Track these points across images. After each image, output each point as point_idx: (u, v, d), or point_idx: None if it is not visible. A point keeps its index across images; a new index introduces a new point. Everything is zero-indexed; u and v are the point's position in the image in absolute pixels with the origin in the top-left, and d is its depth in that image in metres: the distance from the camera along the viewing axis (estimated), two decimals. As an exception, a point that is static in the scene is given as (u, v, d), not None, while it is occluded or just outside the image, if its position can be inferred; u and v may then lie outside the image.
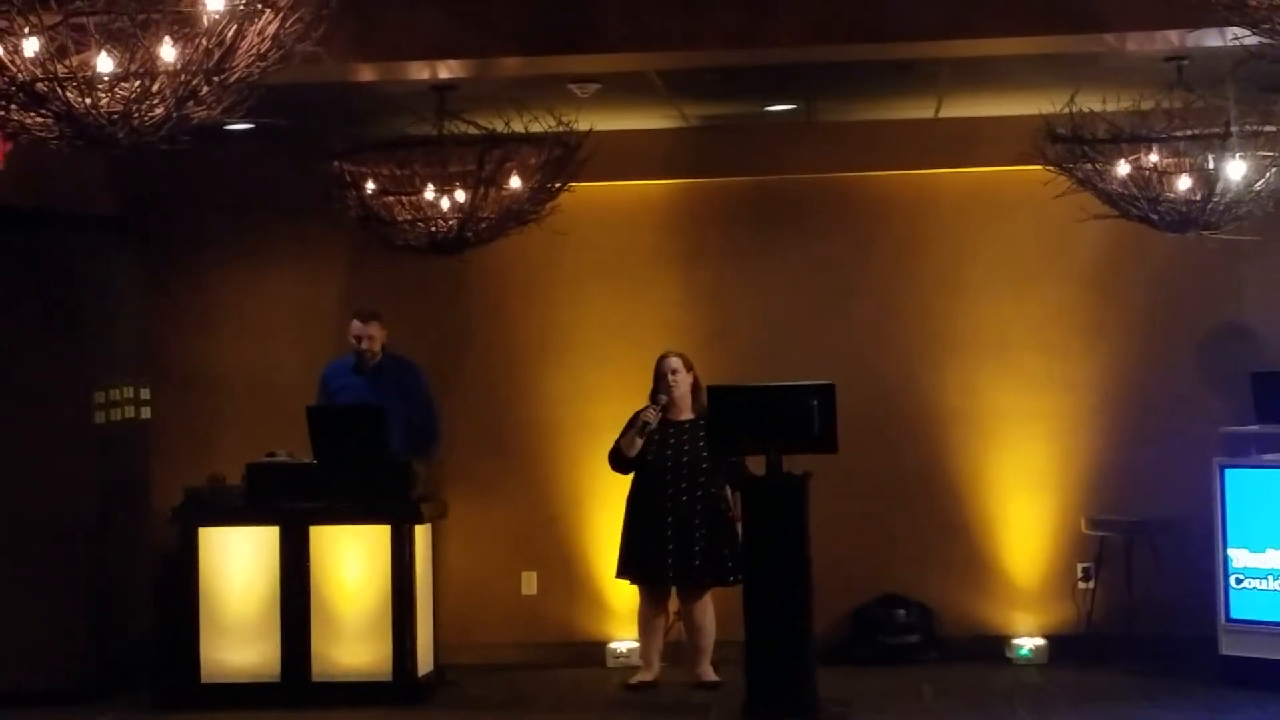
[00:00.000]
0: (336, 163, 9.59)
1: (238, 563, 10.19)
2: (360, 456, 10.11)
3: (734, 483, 10.09)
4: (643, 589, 10.40)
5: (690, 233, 11.38)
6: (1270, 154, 9.01)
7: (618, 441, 10.33)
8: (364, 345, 10.66)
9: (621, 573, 10.41)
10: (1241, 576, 9.99)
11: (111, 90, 5.30)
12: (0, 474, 10.43)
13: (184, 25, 5.26)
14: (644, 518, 10.26)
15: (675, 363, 10.34)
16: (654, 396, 10.30)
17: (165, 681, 10.37)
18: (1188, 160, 9.04)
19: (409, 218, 9.54)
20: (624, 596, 10.99)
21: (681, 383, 10.31)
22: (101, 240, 10.79)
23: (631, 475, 10.36)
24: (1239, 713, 9.31)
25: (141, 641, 10.88)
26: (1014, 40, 8.57)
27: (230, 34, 5.29)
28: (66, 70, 5.21)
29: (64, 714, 9.98)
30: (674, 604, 10.48)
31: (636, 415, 10.30)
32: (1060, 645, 10.89)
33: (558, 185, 9.61)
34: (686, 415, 10.31)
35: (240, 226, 11.43)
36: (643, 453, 10.25)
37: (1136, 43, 8.66)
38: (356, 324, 10.68)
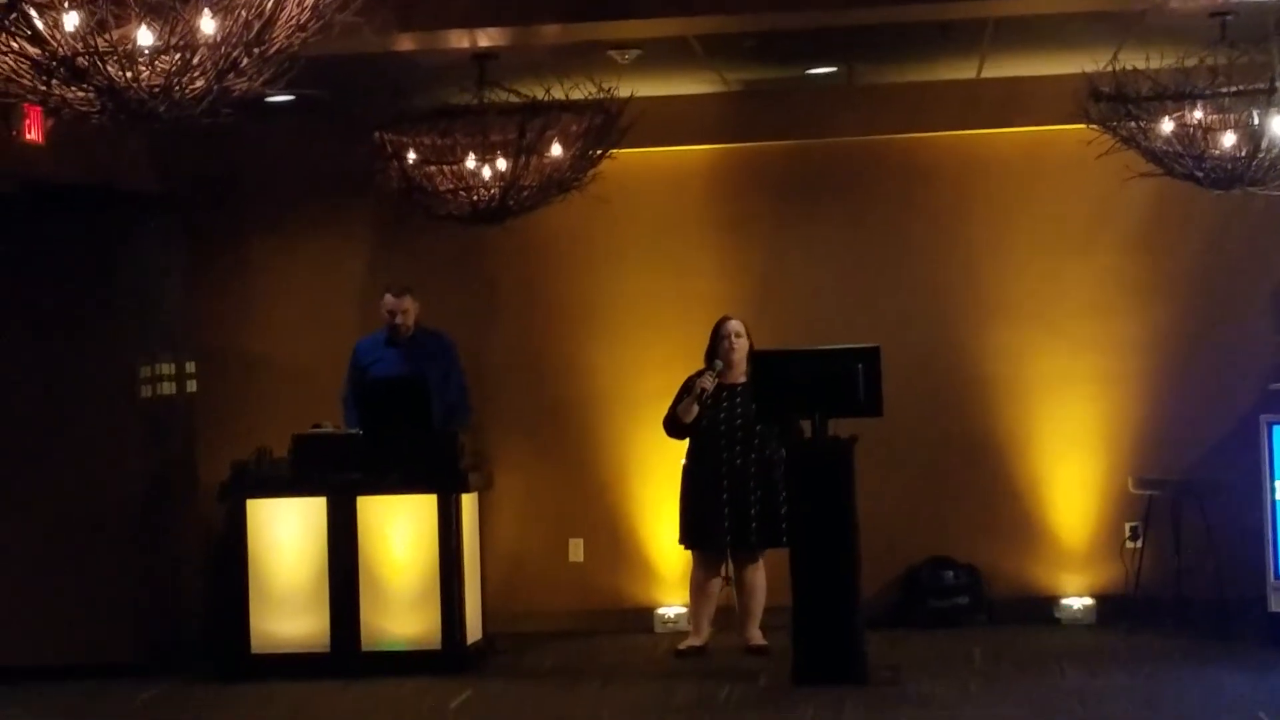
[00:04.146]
0: (377, 133, 9.59)
1: (286, 534, 10.23)
2: (406, 427, 10.14)
3: (787, 444, 10.07)
4: (698, 554, 10.40)
5: (732, 198, 11.35)
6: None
7: (674, 408, 10.31)
8: (398, 319, 10.68)
9: (684, 539, 10.40)
10: (1291, 534, 9.96)
11: (152, 64, 5.30)
12: (47, 451, 10.50)
13: (223, -3, 5.26)
14: (700, 484, 10.25)
15: (738, 326, 10.30)
16: (710, 360, 10.28)
17: (217, 653, 10.43)
18: (1232, 116, 8.97)
19: (451, 187, 9.54)
20: (671, 562, 11.01)
21: (740, 347, 10.28)
22: (144, 216, 10.82)
23: (686, 442, 10.35)
24: (1290, 671, 9.31)
25: (193, 614, 10.94)
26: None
27: (269, 5, 5.29)
28: (107, 44, 5.21)
29: (117, 687, 10.03)
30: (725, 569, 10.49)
31: (691, 380, 10.28)
32: (1108, 605, 10.87)
33: (599, 152, 9.61)
34: (740, 379, 10.29)
35: (282, 200, 11.45)
36: (698, 418, 10.24)
37: (1180, -2, 8.61)
38: (389, 298, 10.70)
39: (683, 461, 10.39)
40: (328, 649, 10.14)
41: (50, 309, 10.55)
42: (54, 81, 5.30)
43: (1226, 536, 10.47)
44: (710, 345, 10.32)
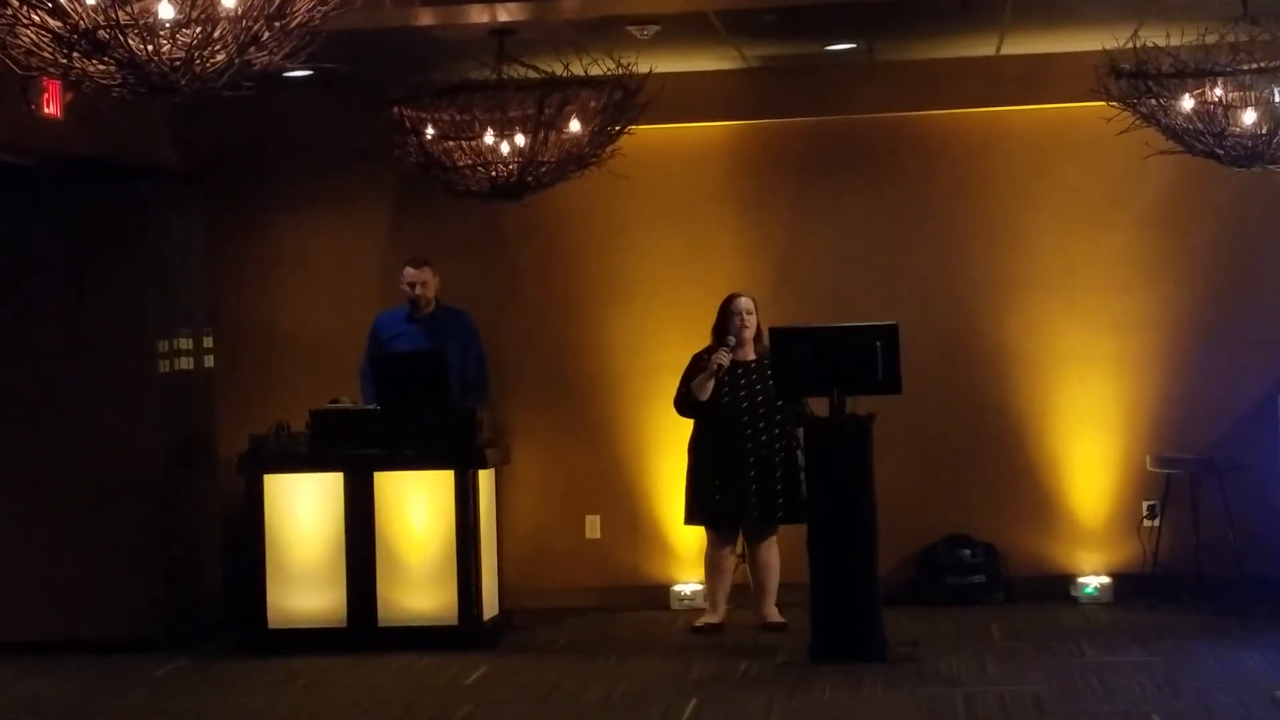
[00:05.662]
0: (396, 108, 9.58)
1: (303, 509, 10.24)
2: (424, 402, 10.13)
3: (799, 424, 10.06)
4: (711, 531, 10.39)
5: (751, 175, 11.33)
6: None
7: (687, 385, 10.30)
8: (417, 291, 10.69)
9: (691, 519, 10.40)
10: (1310, 513, 9.96)
11: (173, 37, 5.31)
12: (67, 423, 10.50)
13: (245, -30, 5.26)
14: (722, 461, 10.22)
15: (748, 303, 10.29)
16: (723, 338, 10.26)
17: (234, 629, 10.45)
18: (1253, 94, 8.95)
19: (469, 163, 9.54)
20: (687, 540, 11.00)
21: (752, 324, 10.27)
22: (164, 190, 10.81)
23: (693, 421, 10.35)
24: (1309, 650, 9.30)
25: (210, 589, 10.95)
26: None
27: (291, -22, 5.29)
28: (128, 17, 5.21)
29: (135, 662, 10.05)
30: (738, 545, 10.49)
31: (698, 358, 10.27)
32: (1126, 583, 10.86)
33: (618, 129, 9.60)
34: (751, 356, 10.28)
35: (301, 175, 11.44)
36: (713, 396, 10.23)
37: (1202, -25, 8.58)
38: (410, 270, 10.71)
39: (689, 439, 10.40)
40: (344, 624, 10.15)
41: (69, 283, 10.55)
42: (75, 55, 5.30)
43: (1245, 514, 10.45)
44: (719, 321, 10.31)
